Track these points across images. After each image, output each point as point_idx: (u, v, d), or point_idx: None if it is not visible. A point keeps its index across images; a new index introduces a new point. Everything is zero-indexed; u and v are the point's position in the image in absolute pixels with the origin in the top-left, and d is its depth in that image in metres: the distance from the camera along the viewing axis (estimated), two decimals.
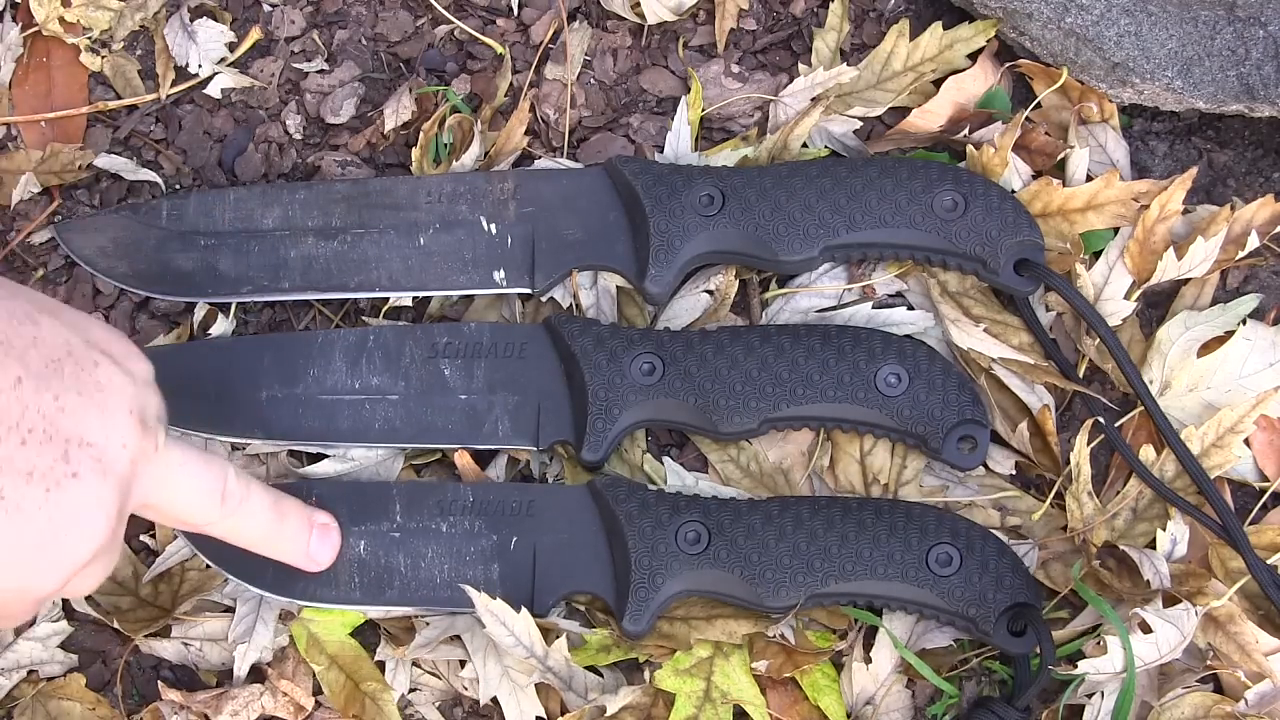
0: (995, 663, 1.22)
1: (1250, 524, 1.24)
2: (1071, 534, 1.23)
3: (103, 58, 1.46)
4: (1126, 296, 1.28)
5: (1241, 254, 1.29)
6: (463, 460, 1.28)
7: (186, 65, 1.44)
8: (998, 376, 1.27)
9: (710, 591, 1.21)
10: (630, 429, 1.26)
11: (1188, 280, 1.30)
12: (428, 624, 1.23)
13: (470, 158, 1.37)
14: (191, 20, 1.45)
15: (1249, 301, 1.29)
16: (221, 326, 1.34)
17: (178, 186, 1.42)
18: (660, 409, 1.26)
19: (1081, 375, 1.28)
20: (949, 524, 1.20)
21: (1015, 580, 1.18)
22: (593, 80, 1.42)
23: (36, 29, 1.46)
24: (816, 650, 1.19)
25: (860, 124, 1.37)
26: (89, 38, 1.46)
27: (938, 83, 1.37)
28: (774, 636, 1.20)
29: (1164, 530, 1.21)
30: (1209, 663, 1.17)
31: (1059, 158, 1.33)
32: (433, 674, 1.25)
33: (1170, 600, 1.17)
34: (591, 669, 1.21)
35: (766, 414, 1.25)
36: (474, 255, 1.31)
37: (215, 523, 1.09)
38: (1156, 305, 1.32)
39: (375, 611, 1.24)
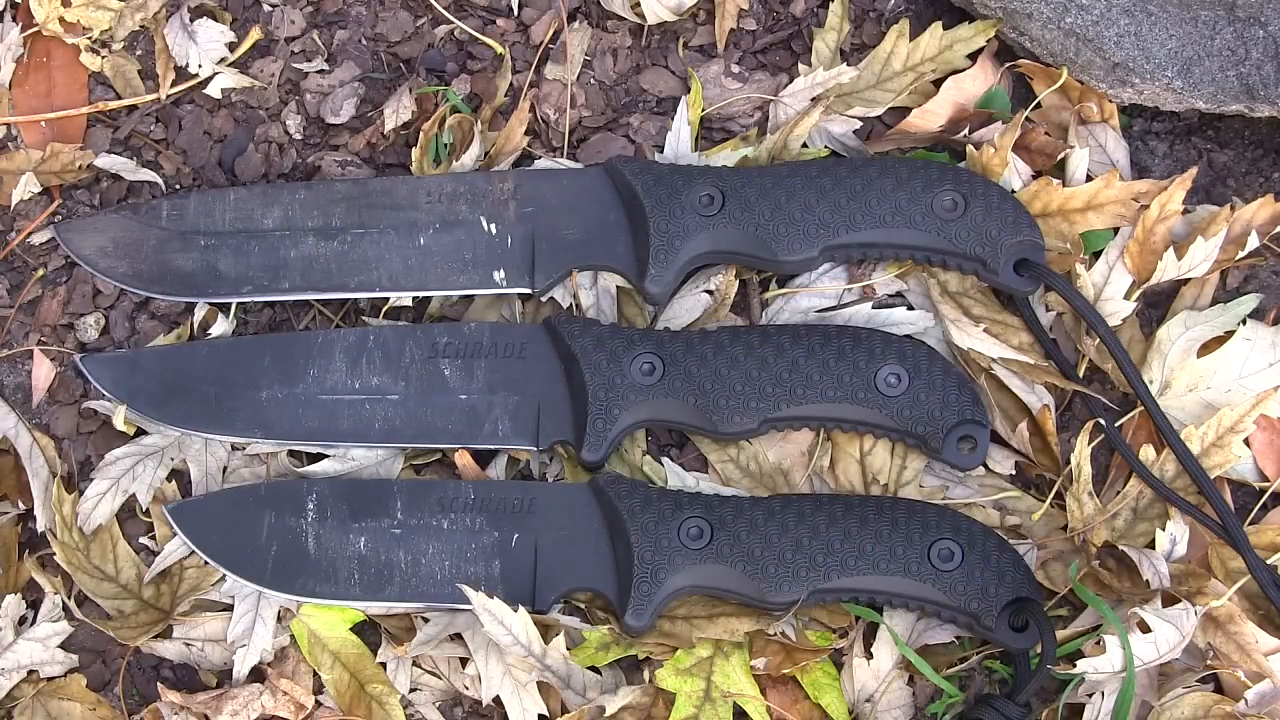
0: (995, 662, 1.22)
1: (1250, 524, 1.24)
2: (1071, 534, 1.23)
3: (103, 58, 1.46)
4: (1126, 296, 1.28)
5: (1241, 254, 1.29)
6: (463, 460, 1.28)
7: (186, 65, 1.44)
8: (998, 376, 1.27)
9: (712, 587, 1.21)
10: (630, 429, 1.26)
11: (1188, 280, 1.30)
12: (428, 621, 1.23)
13: (470, 158, 1.37)
14: (191, 20, 1.45)
15: (1249, 301, 1.29)
16: (221, 326, 1.34)
17: (178, 186, 1.42)
18: (660, 409, 1.26)
19: (1081, 375, 1.28)
20: (950, 520, 1.20)
21: (1016, 575, 1.18)
22: (593, 80, 1.42)
23: (36, 29, 1.46)
24: (817, 648, 1.19)
25: (860, 124, 1.37)
26: (89, 38, 1.46)
27: (938, 83, 1.37)
28: (775, 634, 1.20)
29: (1164, 530, 1.21)
30: (1209, 663, 1.17)
31: (1059, 158, 1.33)
32: (433, 673, 1.25)
33: (1170, 600, 1.17)
34: (591, 668, 1.21)
35: (766, 414, 1.25)
36: (474, 255, 1.31)
37: None
38: (1156, 305, 1.32)
39: (375, 608, 1.24)
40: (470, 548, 1.23)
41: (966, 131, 1.35)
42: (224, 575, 1.26)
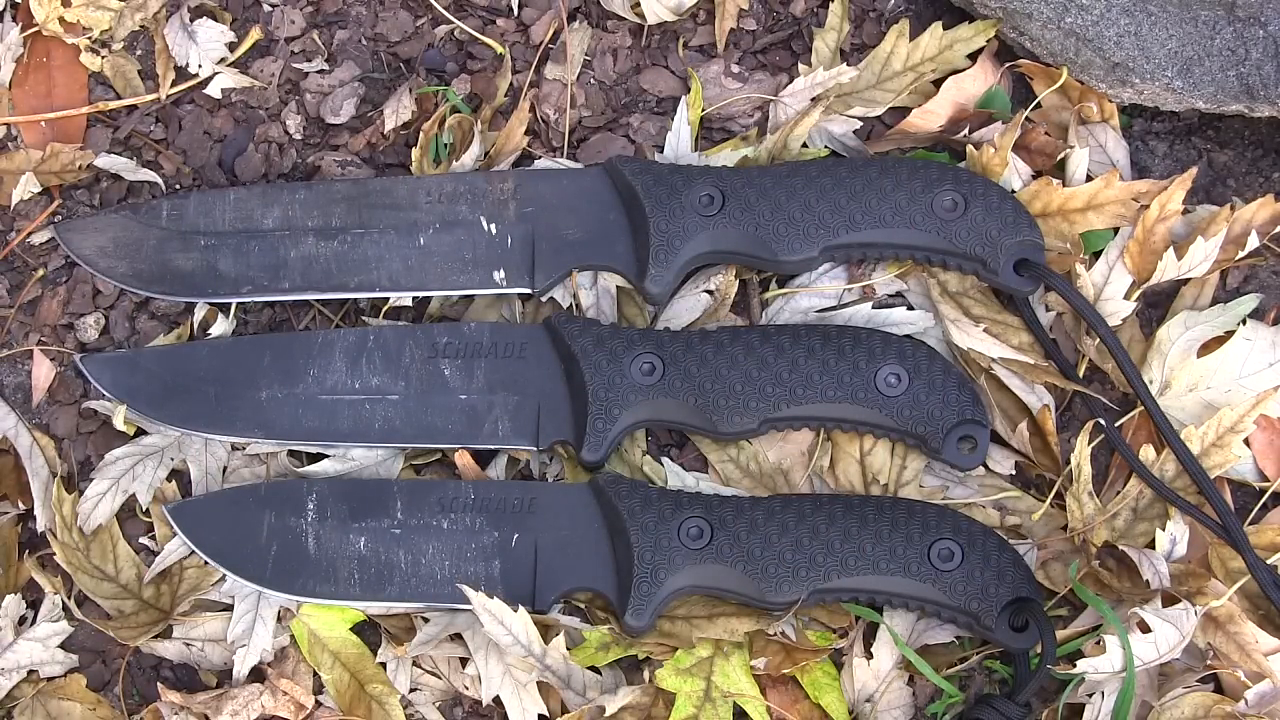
0: (995, 662, 1.22)
1: (1250, 524, 1.24)
2: (1071, 534, 1.23)
3: (103, 58, 1.46)
4: (1126, 296, 1.29)
5: (1241, 254, 1.29)
6: (463, 460, 1.28)
7: (186, 65, 1.44)
8: (998, 376, 1.27)
9: (712, 587, 1.21)
10: (630, 429, 1.26)
11: (1188, 280, 1.30)
12: (428, 621, 1.23)
13: (470, 158, 1.37)
14: (191, 20, 1.45)
15: (1249, 301, 1.29)
16: (221, 326, 1.34)
17: (178, 186, 1.42)
18: (660, 409, 1.26)
19: (1081, 375, 1.28)
20: (950, 520, 1.20)
21: (1016, 575, 1.18)
22: (593, 80, 1.42)
23: (36, 29, 1.46)
24: (817, 648, 1.19)
25: (860, 124, 1.37)
26: (89, 38, 1.46)
27: (938, 83, 1.37)
28: (775, 634, 1.20)
29: (1164, 530, 1.21)
30: (1209, 663, 1.17)
31: (1059, 158, 1.33)
32: (433, 673, 1.25)
33: (1170, 600, 1.17)
34: (591, 668, 1.21)
35: (766, 414, 1.25)
36: (474, 255, 1.31)
37: None
38: (1156, 305, 1.32)
39: (375, 608, 1.24)
40: (470, 548, 1.23)
41: (966, 131, 1.35)
42: (224, 575, 1.26)
